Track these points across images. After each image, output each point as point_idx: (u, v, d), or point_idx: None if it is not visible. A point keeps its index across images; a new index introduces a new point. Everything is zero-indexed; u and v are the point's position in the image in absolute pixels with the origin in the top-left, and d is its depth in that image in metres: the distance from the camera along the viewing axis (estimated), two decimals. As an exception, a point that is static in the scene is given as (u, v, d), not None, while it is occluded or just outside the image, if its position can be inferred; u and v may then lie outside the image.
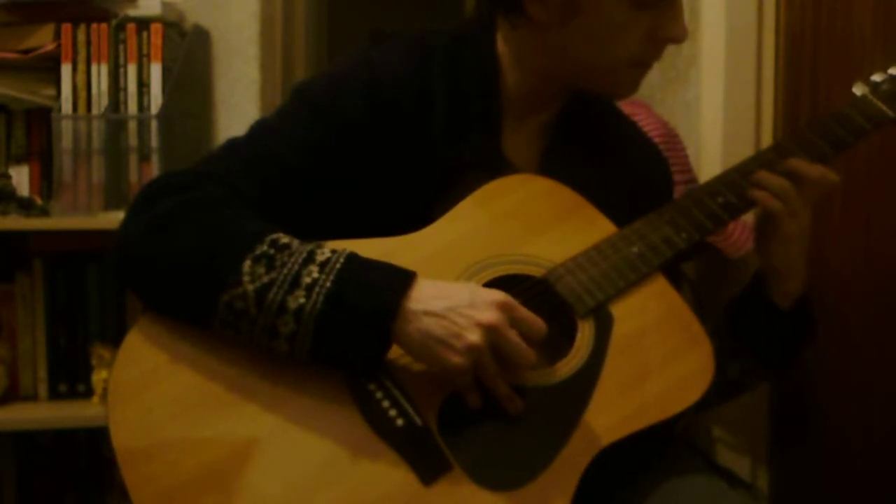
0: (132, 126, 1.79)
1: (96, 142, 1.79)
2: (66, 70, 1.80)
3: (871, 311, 1.46)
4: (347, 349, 0.93)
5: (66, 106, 1.80)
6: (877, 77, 1.14)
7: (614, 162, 1.18)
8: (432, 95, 1.08)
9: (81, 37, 1.80)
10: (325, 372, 0.95)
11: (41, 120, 1.85)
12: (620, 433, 0.95)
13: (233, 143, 1.07)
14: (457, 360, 0.91)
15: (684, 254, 1.09)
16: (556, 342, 1.01)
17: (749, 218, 1.59)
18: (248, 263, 0.93)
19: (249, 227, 0.97)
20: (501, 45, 1.12)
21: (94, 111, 1.80)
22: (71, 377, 1.76)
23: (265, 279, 0.92)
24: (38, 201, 1.79)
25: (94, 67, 1.80)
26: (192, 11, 1.98)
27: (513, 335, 0.93)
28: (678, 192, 1.32)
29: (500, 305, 0.93)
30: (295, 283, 0.92)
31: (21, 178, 1.85)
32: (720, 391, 1.10)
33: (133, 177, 1.79)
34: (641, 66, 1.10)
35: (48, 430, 1.81)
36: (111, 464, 1.38)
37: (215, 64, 2.02)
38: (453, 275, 1.02)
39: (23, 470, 1.84)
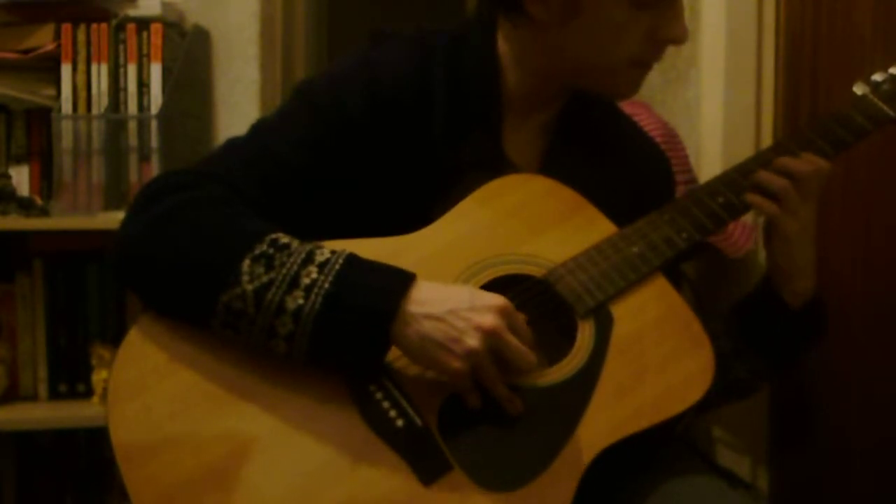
0: (132, 126, 1.80)
1: (96, 142, 1.79)
2: (66, 70, 1.80)
3: (871, 311, 1.46)
4: (345, 351, 0.93)
5: (66, 106, 1.80)
6: (877, 77, 1.14)
7: (615, 162, 1.18)
8: (432, 95, 1.08)
9: (81, 37, 1.80)
10: (325, 372, 0.94)
11: (41, 120, 1.84)
12: (621, 434, 0.95)
13: (233, 143, 1.07)
14: (455, 364, 0.91)
15: (685, 254, 1.09)
16: (557, 342, 1.01)
17: (749, 218, 1.60)
18: (247, 263, 0.93)
19: (249, 226, 0.97)
20: (502, 45, 1.12)
21: (94, 111, 1.80)
22: (71, 377, 1.77)
23: (264, 279, 0.92)
24: (38, 201, 1.79)
25: (94, 67, 1.80)
26: (192, 11, 1.98)
27: (513, 339, 0.93)
28: (678, 192, 1.32)
29: (500, 310, 0.93)
30: (294, 283, 0.92)
31: (21, 178, 1.85)
32: (723, 392, 1.09)
33: (133, 177, 1.79)
34: (642, 66, 1.09)
35: (48, 430, 1.81)
36: (111, 464, 1.38)
37: (215, 64, 2.02)
38: (453, 275, 1.02)
39: (23, 470, 1.84)
